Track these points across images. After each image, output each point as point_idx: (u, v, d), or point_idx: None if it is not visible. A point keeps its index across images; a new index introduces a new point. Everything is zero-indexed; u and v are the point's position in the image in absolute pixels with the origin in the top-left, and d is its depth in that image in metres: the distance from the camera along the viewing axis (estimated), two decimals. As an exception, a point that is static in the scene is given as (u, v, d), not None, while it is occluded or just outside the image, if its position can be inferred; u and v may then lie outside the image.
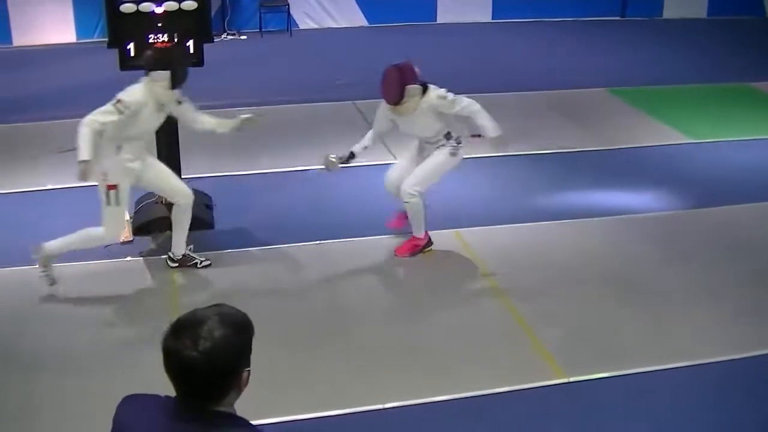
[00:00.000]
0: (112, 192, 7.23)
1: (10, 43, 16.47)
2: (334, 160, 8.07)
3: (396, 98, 7.63)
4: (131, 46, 8.05)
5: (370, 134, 8.17)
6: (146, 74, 7.27)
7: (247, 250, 8.31)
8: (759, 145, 11.16)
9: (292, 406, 5.87)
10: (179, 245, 7.89)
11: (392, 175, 8.17)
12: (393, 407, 5.97)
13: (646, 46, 16.97)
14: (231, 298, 7.25)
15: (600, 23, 18.82)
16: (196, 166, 9.66)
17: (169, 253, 7.93)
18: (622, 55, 16.21)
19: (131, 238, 8.40)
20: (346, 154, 8.09)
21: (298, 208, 9.23)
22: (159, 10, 8.00)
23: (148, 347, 6.67)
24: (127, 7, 7.92)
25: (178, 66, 7.30)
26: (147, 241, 8.36)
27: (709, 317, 7.16)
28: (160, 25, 8.05)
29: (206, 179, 9.59)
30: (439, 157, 7.86)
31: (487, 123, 7.73)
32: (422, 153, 8.03)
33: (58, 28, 16.80)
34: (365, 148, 8.14)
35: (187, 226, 7.87)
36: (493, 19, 18.91)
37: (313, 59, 16.02)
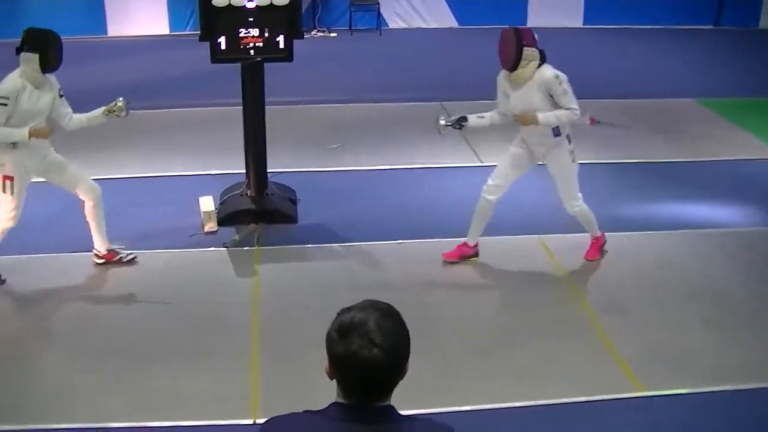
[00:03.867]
0: (7, 183, 7.25)
1: (105, 33, 16.78)
2: (443, 122, 7.80)
3: (512, 61, 7.23)
4: (222, 39, 8.15)
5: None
6: (17, 55, 7.16)
7: (329, 246, 8.34)
8: None
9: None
10: (100, 241, 7.85)
11: (496, 185, 7.77)
12: (469, 410, 5.95)
13: (740, 56, 16.63)
14: (311, 293, 7.38)
15: (693, 32, 18.50)
16: (281, 161, 9.74)
17: (94, 251, 7.89)
18: (714, 65, 15.90)
19: (216, 229, 8.49)
20: (456, 117, 7.78)
21: (379, 206, 9.24)
22: (251, 4, 8.08)
23: (225, 336, 6.82)
24: (220, 1, 8.01)
25: (47, 49, 7.09)
26: (232, 233, 8.43)
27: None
28: (251, 19, 8.13)
29: (291, 174, 9.65)
30: (565, 166, 7.62)
31: (560, 118, 7.34)
32: (530, 157, 7.71)
33: (151, 20, 17.08)
34: (481, 117, 7.78)
35: (103, 220, 7.80)
36: (584, 24, 18.75)
37: (402, 59, 16.05)
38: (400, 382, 2.79)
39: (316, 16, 17.98)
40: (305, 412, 2.85)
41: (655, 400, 6.14)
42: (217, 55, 8.22)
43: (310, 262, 8.08)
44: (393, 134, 11.44)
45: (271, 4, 8.09)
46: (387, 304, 2.82)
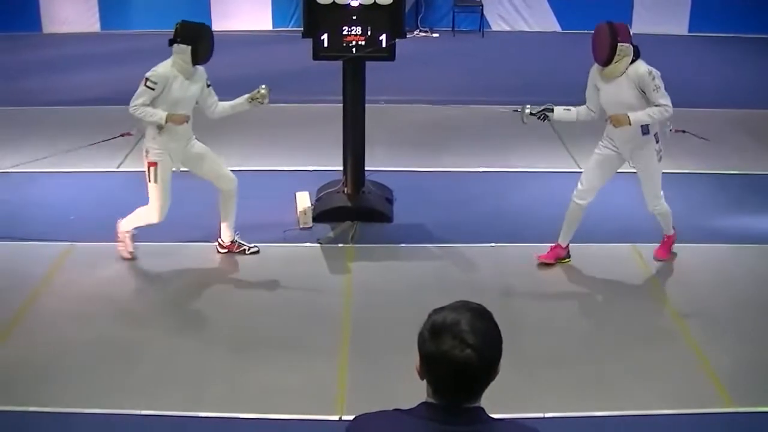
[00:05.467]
0: (152, 169, 7.46)
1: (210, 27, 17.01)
2: (528, 110, 7.75)
3: (605, 56, 7.17)
4: (325, 36, 8.22)
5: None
6: (169, 45, 7.37)
7: (423, 246, 8.36)
8: None
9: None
10: (226, 232, 8.03)
11: (586, 188, 7.70)
12: (552, 417, 5.92)
13: None
14: (403, 293, 7.40)
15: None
16: (379, 160, 9.77)
17: (219, 240, 8.08)
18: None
19: (311, 225, 8.56)
20: (542, 107, 7.78)
21: (475, 208, 9.23)
22: (355, 3, 8.13)
23: (315, 332, 6.87)
24: (324, -1, 8.08)
25: (198, 42, 7.32)
26: (327, 229, 8.50)
27: None
28: (354, 18, 8.19)
29: (388, 173, 9.68)
30: (650, 165, 7.54)
31: (652, 116, 7.22)
32: (617, 157, 7.62)
33: (255, 16, 17.27)
34: (567, 110, 7.75)
35: (234, 213, 7.98)
36: (689, 32, 18.44)
37: (503, 61, 15.99)
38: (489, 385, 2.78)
39: (419, 16, 17.99)
40: (394, 410, 2.85)
41: (745, 416, 6.03)
42: (319, 52, 8.29)
43: (404, 261, 8.11)
44: (491, 136, 11.39)
45: (375, 3, 8.14)
46: (479, 304, 2.82)
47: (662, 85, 7.17)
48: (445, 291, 7.34)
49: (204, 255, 8.05)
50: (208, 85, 7.64)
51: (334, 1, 8.11)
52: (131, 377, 6.26)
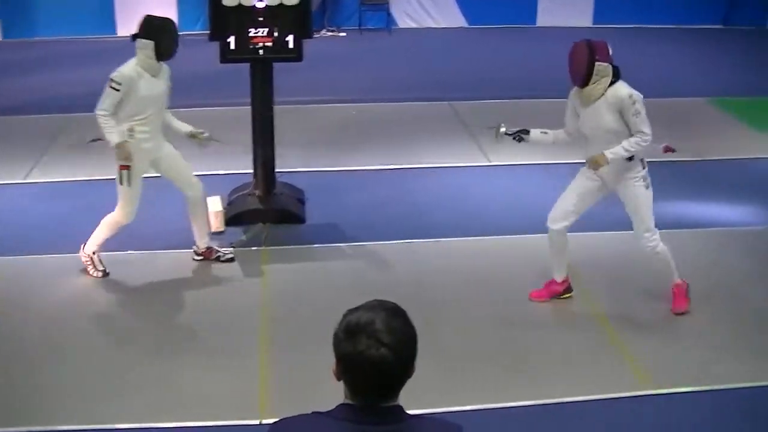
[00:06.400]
0: (124, 172, 7.29)
1: (115, 33, 16.77)
2: (503, 129, 7.27)
3: (582, 76, 6.68)
4: (232, 39, 8.17)
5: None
6: (132, 41, 7.24)
7: (336, 246, 8.35)
8: None
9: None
10: (201, 238, 7.93)
11: (558, 212, 7.19)
12: (473, 410, 5.94)
13: (749, 55, 16.63)
14: (318, 293, 7.38)
15: (702, 31, 18.47)
16: (290, 161, 9.75)
17: (194, 247, 7.97)
18: (723, 64, 15.90)
19: (223, 229, 8.50)
20: (517, 129, 7.20)
21: (388, 206, 9.25)
22: (261, 4, 8.09)
23: (232, 337, 6.82)
24: (230, 1, 8.03)
25: (161, 37, 7.17)
26: (239, 233, 8.45)
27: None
28: (261, 19, 8.14)
29: (299, 174, 9.67)
30: (636, 193, 6.98)
31: (629, 149, 6.74)
32: (602, 187, 7.10)
33: (161, 20, 17.09)
34: (544, 133, 7.22)
35: (205, 218, 7.93)
36: (593, 23, 18.71)
37: (411, 59, 16.04)
38: (408, 382, 2.78)
39: (326, 16, 17.99)
40: (313, 413, 2.85)
41: (665, 397, 6.13)
42: (226, 55, 8.23)
43: (318, 262, 8.09)
44: (401, 134, 11.44)
45: (281, 3, 8.11)
46: (394, 303, 2.82)
47: (643, 111, 6.73)
48: (360, 290, 7.29)
49: (114, 261, 7.90)
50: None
51: (240, 3, 8.06)
52: (47, 392, 6.12)
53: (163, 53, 7.20)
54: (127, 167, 7.27)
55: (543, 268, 7.85)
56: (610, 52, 6.77)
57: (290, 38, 8.25)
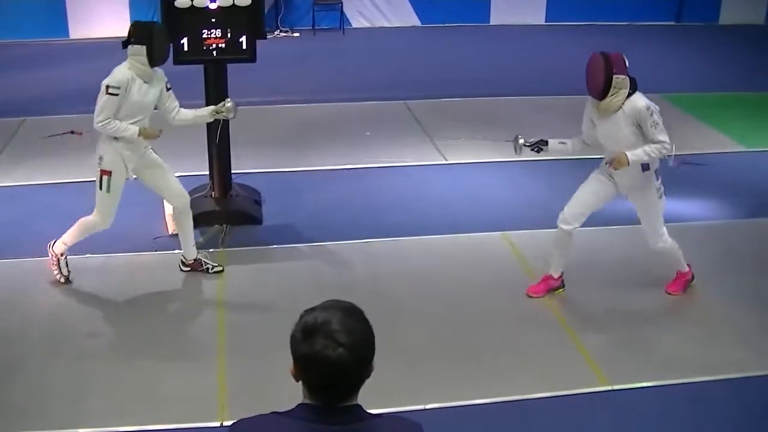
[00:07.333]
0: (105, 178, 7.18)
1: (68, 36, 16.63)
2: (522, 141, 7.30)
3: (600, 89, 6.73)
4: (185, 40, 8.12)
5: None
6: (123, 48, 7.16)
7: (294, 247, 8.34)
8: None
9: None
10: (188, 249, 7.82)
11: (571, 214, 7.24)
12: (434, 408, 5.98)
13: (701, 52, 16.77)
14: (276, 294, 7.37)
15: (655, 28, 18.60)
16: (245, 162, 9.72)
17: (181, 257, 7.88)
18: (676, 61, 16.02)
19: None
20: (536, 140, 7.31)
21: (345, 206, 9.25)
22: (213, 5, 8.06)
23: (190, 338, 6.80)
24: (182, 2, 7.98)
25: (153, 41, 7.06)
26: (196, 234, 8.38)
27: (760, 327, 7.07)
28: (213, 20, 8.11)
29: (255, 175, 9.64)
30: (651, 202, 7.13)
31: (651, 154, 6.84)
32: (614, 188, 7.19)
33: (113, 22, 16.91)
34: (562, 143, 7.32)
35: (191, 228, 7.80)
36: (546, 21, 18.81)
37: (365, 58, 16.03)
38: (367, 382, 2.79)
39: (279, 16, 17.93)
40: (272, 413, 2.84)
41: (620, 393, 6.20)
42: (179, 57, 8.18)
43: (275, 262, 8.07)
44: (357, 133, 11.44)
45: (234, 4, 8.08)
46: (350, 303, 2.83)
47: (660, 121, 6.79)
48: (318, 290, 7.33)
49: (75, 265, 7.82)
50: (168, 89, 7.38)
51: (192, 5, 8.02)
52: (2, 398, 6.05)
53: (156, 57, 7.10)
54: (108, 173, 7.17)
55: (503, 264, 7.90)
56: (627, 63, 6.81)
57: (243, 39, 8.23)
